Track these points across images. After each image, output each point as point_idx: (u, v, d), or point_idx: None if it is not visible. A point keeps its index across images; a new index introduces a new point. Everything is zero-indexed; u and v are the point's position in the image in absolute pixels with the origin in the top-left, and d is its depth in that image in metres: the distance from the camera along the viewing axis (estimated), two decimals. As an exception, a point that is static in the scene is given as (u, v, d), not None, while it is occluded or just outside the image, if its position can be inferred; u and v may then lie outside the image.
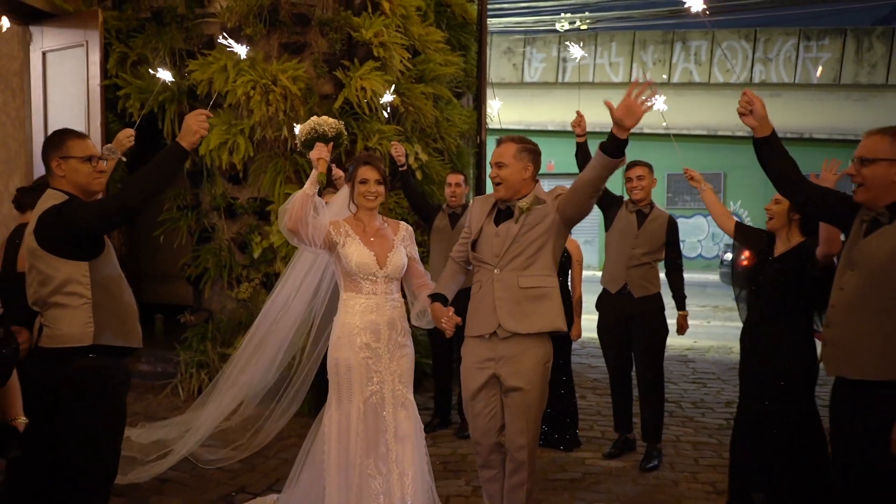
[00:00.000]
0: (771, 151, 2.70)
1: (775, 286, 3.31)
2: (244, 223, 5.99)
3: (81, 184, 2.69)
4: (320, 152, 3.20)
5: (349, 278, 3.24)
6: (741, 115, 2.69)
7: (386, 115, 5.70)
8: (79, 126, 5.99)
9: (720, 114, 16.58)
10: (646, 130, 14.78)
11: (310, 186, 3.13)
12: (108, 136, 5.80)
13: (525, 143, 3.10)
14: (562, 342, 4.57)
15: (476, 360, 3.11)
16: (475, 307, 3.13)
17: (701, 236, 19.05)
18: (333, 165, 4.23)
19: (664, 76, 18.08)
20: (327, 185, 4.14)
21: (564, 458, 4.53)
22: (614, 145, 2.70)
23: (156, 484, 4.03)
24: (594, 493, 4.01)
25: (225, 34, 4.88)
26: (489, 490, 3.27)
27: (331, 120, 3.40)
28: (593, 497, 3.94)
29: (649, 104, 2.67)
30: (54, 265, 2.57)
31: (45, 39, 6.12)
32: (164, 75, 4.22)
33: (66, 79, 6.02)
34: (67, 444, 2.51)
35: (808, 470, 3.28)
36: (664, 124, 2.83)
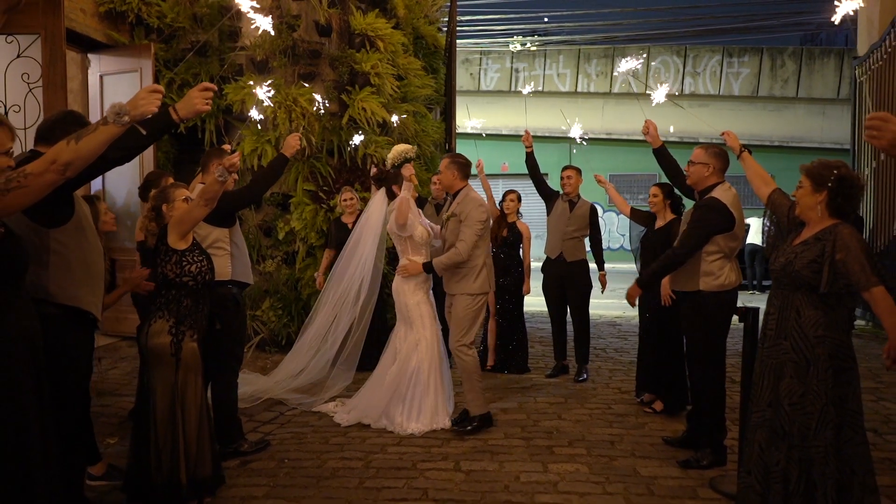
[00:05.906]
0: (663, 157, 4.58)
1: (653, 248, 5.12)
2: (267, 213, 7.56)
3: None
4: (409, 170, 4.82)
5: (416, 247, 4.91)
6: (644, 133, 4.52)
7: (378, 128, 7.36)
8: (133, 135, 7.50)
9: (655, 121, 18.62)
10: (590, 136, 16.73)
11: (405, 192, 4.76)
12: (157, 144, 7.30)
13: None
14: (518, 296, 6.36)
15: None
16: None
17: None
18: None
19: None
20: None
21: (518, 378, 6.29)
22: None
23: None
24: (538, 393, 5.79)
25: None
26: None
27: (408, 146, 4.99)
28: (537, 395, 5.72)
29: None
30: (208, 230, 4.17)
31: (101, 65, 7.56)
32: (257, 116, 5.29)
33: (121, 98, 7.40)
34: (220, 338, 4.10)
35: (673, 368, 5.04)
36: (563, 128, 4.68)
